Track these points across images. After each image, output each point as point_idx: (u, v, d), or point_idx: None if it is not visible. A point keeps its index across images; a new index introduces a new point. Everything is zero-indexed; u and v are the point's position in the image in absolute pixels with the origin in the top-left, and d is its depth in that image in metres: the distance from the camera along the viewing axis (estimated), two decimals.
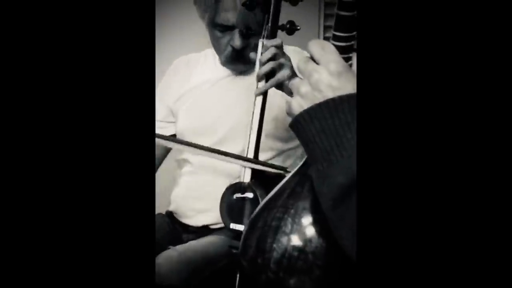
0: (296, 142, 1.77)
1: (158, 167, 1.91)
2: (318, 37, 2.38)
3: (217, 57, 1.81)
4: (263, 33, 1.49)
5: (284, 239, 0.78)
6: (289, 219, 0.78)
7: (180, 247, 1.55)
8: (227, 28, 1.64)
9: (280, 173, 1.50)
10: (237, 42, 1.63)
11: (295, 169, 0.82)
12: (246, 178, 1.47)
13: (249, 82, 1.72)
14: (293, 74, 1.49)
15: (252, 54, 1.52)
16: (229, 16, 1.61)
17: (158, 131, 1.83)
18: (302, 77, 0.77)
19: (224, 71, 1.77)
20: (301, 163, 0.82)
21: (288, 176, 0.82)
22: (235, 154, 1.50)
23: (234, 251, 1.45)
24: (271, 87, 1.47)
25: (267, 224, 0.79)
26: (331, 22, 2.33)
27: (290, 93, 1.50)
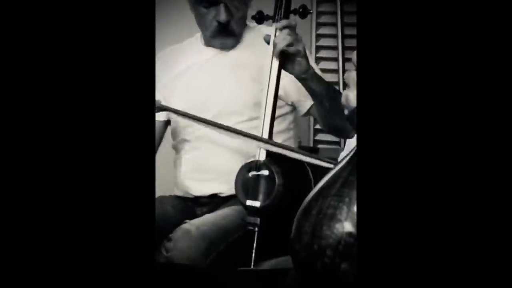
0: (285, 109, 1.82)
1: (159, 145, 1.92)
2: (311, 20, 2.38)
3: (199, 40, 1.86)
4: (276, 17, 1.58)
5: (339, 226, 0.82)
6: (344, 207, 0.82)
7: (195, 221, 1.59)
8: (211, 4, 1.72)
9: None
10: (222, 16, 1.72)
11: (347, 158, 0.85)
12: (262, 156, 1.52)
13: (237, 57, 1.81)
14: (306, 54, 1.54)
15: (266, 36, 1.56)
16: None
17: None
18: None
19: (210, 52, 1.84)
20: (352, 152, 0.85)
21: (340, 165, 0.85)
22: (251, 134, 1.54)
23: (250, 227, 1.50)
24: (285, 50, 1.53)
25: (322, 212, 0.83)
26: (325, 8, 2.32)
27: (300, 73, 1.54)
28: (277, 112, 1.77)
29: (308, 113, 1.80)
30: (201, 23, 1.78)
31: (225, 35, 1.77)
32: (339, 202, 0.82)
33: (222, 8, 1.71)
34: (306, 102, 1.76)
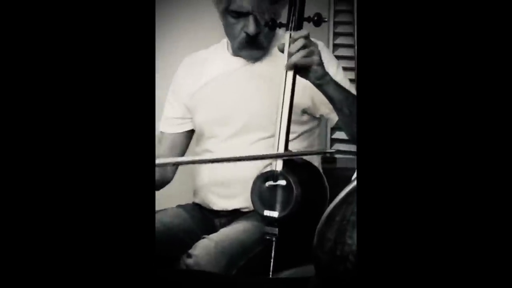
0: (312, 124, 1.82)
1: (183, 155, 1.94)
2: (328, 30, 2.39)
3: (226, 49, 1.85)
4: (289, 25, 1.58)
5: None
6: None
7: (214, 236, 1.59)
8: (240, 15, 1.70)
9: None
10: (251, 28, 1.70)
11: None
12: (278, 166, 1.52)
13: (264, 70, 1.79)
14: (321, 62, 1.56)
15: (279, 45, 1.57)
16: (243, 3, 1.68)
17: (177, 127, 1.89)
18: None
19: (238, 62, 1.82)
20: None
21: None
22: (268, 155, 1.55)
23: (268, 237, 1.51)
24: (299, 62, 1.53)
25: (346, 219, 0.84)
26: (342, 18, 2.34)
27: (315, 79, 1.55)
28: (305, 127, 1.79)
29: (337, 123, 1.77)
30: (229, 33, 1.76)
31: (253, 47, 1.75)
32: None
33: (251, 20, 1.69)
34: (334, 113, 1.70)
